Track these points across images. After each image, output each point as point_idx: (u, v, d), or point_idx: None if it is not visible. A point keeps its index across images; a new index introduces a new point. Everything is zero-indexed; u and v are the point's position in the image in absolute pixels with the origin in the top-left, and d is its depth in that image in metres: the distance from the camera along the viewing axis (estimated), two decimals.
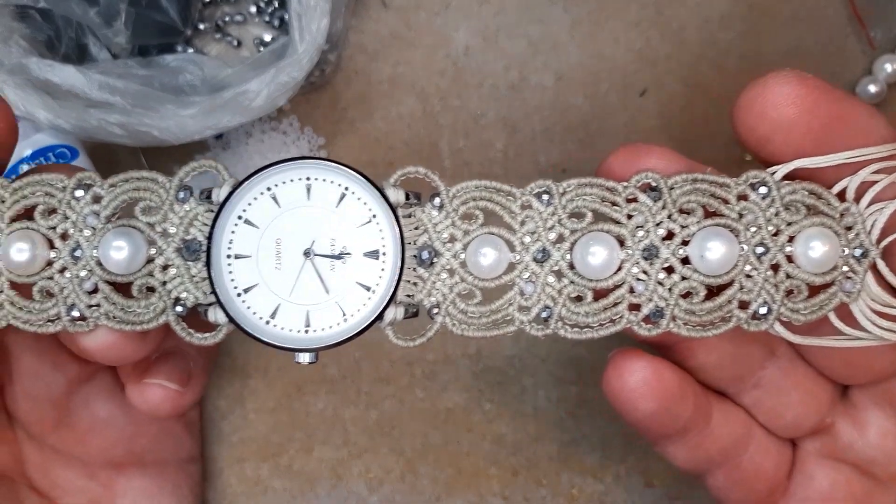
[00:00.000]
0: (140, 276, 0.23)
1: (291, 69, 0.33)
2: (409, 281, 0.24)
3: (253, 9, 0.38)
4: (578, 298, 0.24)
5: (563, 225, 0.23)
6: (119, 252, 0.23)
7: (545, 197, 0.24)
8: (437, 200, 0.24)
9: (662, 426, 0.25)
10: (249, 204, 0.23)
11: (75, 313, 0.23)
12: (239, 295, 0.23)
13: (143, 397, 0.28)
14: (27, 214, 0.24)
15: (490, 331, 0.24)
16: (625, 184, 0.23)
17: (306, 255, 0.24)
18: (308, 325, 0.24)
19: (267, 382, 0.37)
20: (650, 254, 0.23)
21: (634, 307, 0.23)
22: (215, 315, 0.23)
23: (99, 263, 0.23)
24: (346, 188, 0.24)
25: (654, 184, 0.23)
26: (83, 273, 0.23)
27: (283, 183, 0.24)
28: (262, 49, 0.38)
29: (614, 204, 0.23)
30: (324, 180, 0.24)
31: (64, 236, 0.23)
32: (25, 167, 0.33)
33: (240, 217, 0.23)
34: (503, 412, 0.37)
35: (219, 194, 0.23)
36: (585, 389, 0.37)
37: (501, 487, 0.37)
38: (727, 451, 0.27)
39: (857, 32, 0.38)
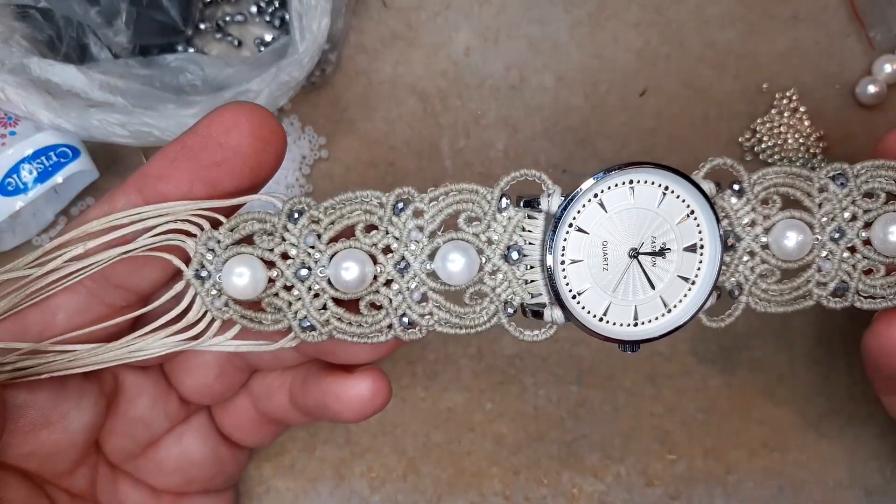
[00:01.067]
0: (473, 284, 0.24)
1: (292, 69, 0.33)
2: None
3: (254, 8, 0.38)
4: (868, 272, 0.26)
5: (856, 205, 0.25)
6: (455, 264, 0.24)
7: (840, 179, 0.25)
8: (736, 187, 0.25)
9: None
10: (579, 212, 0.24)
11: (405, 320, 0.24)
12: (574, 297, 0.24)
13: (365, 384, 0.27)
14: (345, 234, 0.24)
15: (790, 306, 0.26)
16: None
17: (632, 254, 0.25)
18: (636, 319, 0.25)
19: None
20: None
21: None
22: (551, 314, 0.24)
23: (430, 275, 0.24)
24: (667, 187, 0.24)
25: None
26: (413, 285, 0.24)
27: (609, 189, 0.24)
28: (262, 49, 0.38)
29: None
30: (646, 182, 0.24)
31: (385, 251, 0.24)
32: (27, 167, 0.33)
33: (570, 225, 0.24)
34: (504, 412, 0.37)
35: (549, 204, 0.24)
36: (585, 389, 0.37)
37: (503, 487, 0.37)
38: None
39: (857, 32, 0.38)
